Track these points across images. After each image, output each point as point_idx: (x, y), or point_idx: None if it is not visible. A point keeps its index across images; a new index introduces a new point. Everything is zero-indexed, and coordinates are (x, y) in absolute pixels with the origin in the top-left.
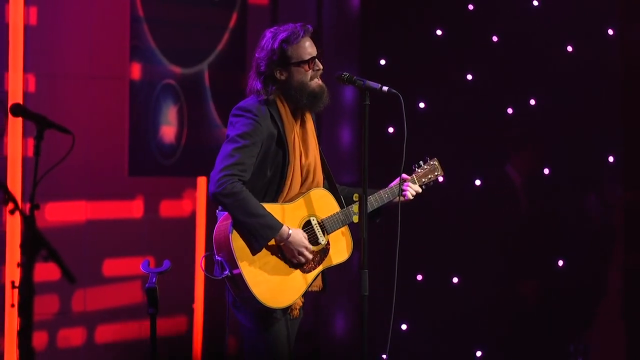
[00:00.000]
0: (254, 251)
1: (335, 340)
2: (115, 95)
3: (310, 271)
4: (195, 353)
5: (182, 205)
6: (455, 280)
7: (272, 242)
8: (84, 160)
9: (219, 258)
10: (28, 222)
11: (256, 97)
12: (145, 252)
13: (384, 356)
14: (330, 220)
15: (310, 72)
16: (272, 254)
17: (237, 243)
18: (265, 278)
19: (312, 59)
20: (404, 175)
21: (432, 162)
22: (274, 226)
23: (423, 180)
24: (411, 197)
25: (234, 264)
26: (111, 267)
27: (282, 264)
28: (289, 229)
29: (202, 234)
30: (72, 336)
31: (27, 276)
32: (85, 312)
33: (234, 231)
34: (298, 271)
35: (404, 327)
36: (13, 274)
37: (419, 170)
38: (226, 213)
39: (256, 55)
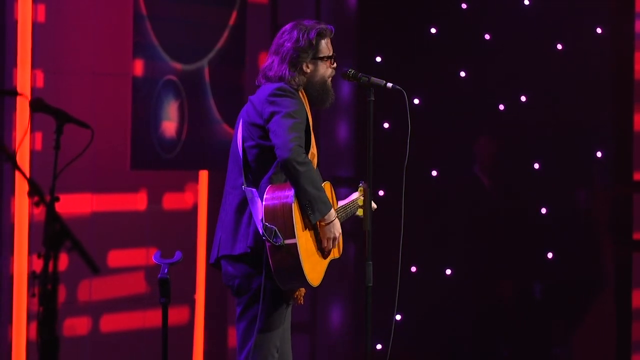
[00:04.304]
0: (307, 225)
1: (331, 330)
2: (118, 91)
3: (326, 258)
4: (196, 343)
5: (185, 198)
6: (448, 272)
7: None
8: (88, 154)
9: (272, 226)
10: (53, 214)
11: (286, 83)
12: (149, 243)
13: (379, 346)
14: (341, 211)
15: (330, 70)
16: (312, 231)
17: (297, 214)
18: (309, 254)
19: (335, 57)
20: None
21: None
22: (329, 205)
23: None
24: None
25: (290, 234)
26: (116, 258)
27: (313, 244)
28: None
29: (204, 226)
30: (78, 325)
31: (54, 267)
32: (91, 301)
33: (296, 201)
34: (320, 255)
35: (398, 317)
36: (21, 265)
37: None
38: (270, 186)
39: (287, 44)
